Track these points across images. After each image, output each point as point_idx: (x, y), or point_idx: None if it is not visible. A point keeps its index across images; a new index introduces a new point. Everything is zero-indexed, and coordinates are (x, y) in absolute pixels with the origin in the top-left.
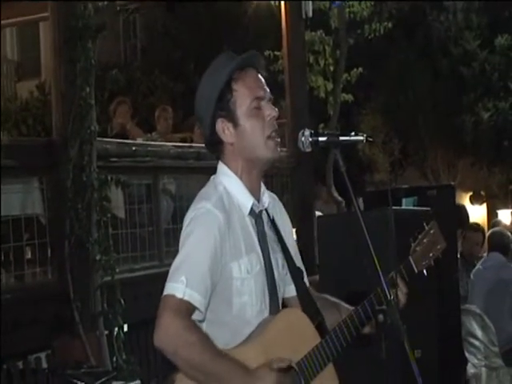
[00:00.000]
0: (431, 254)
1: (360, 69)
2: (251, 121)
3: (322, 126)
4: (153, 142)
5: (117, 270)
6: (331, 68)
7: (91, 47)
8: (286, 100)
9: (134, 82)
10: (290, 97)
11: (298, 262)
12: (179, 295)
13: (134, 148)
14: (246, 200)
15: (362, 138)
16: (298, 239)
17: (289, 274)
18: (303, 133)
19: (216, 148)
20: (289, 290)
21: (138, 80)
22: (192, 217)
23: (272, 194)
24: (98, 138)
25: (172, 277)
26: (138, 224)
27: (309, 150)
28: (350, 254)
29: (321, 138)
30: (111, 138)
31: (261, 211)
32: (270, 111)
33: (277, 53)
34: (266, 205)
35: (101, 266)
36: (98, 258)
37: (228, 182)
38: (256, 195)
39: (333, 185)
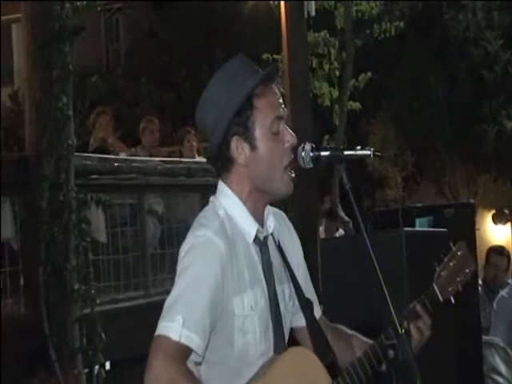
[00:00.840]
0: (459, 279)
1: (369, 73)
2: (270, 146)
3: (326, 137)
4: (138, 158)
5: (97, 301)
6: (337, 73)
7: (69, 51)
8: (286, 109)
9: (117, 89)
10: (290, 105)
11: (309, 290)
12: (174, 337)
13: (116, 164)
14: (249, 227)
15: (368, 152)
16: None
17: (297, 303)
18: (303, 147)
19: (223, 165)
20: (297, 320)
21: (121, 88)
22: (190, 246)
23: (277, 210)
24: (77, 154)
25: (166, 315)
26: (121, 249)
27: (310, 166)
28: (358, 281)
29: (323, 153)
30: (91, 153)
31: (266, 237)
32: (290, 137)
33: (276, 56)
34: (271, 229)
35: (79, 297)
36: (76, 287)
37: (229, 205)
38: (260, 220)
39: (339, 203)
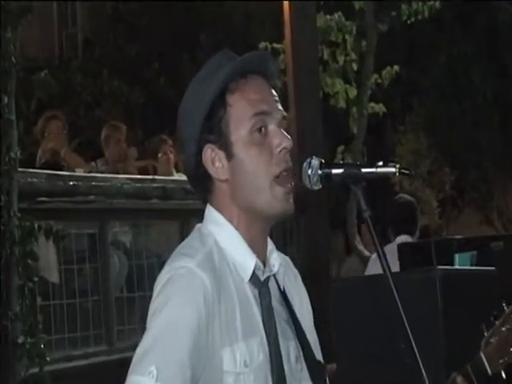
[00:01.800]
0: None
1: (395, 67)
2: (250, 151)
3: (341, 149)
4: (99, 175)
5: (48, 359)
6: (354, 67)
7: (11, 39)
8: (290, 112)
9: (73, 87)
10: (295, 107)
11: (318, 354)
12: None
13: (71, 183)
14: (246, 260)
15: (393, 169)
16: None
17: (305, 369)
18: (309, 163)
19: (202, 186)
20: None
21: (78, 85)
22: (166, 280)
23: (283, 255)
24: (21, 169)
25: (136, 367)
26: (77, 292)
27: (317, 187)
28: (381, 334)
29: (335, 171)
30: (39, 168)
31: (267, 278)
32: (281, 139)
33: (276, 45)
34: (275, 269)
35: (25, 353)
36: (20, 340)
37: (220, 233)
38: (260, 253)
39: (357, 233)
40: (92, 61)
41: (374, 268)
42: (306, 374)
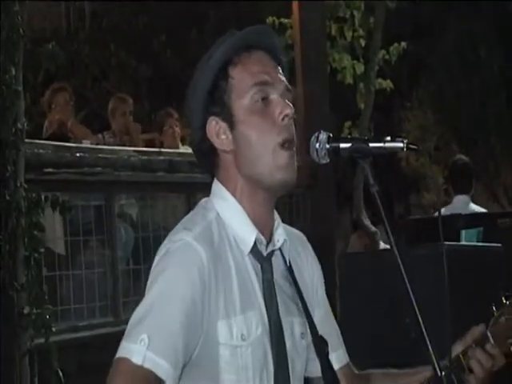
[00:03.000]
0: None
1: (403, 44)
2: (253, 120)
3: (348, 124)
4: (106, 147)
5: (53, 329)
6: (362, 42)
7: (18, 10)
8: (298, 87)
9: (80, 59)
10: (302, 83)
11: (331, 323)
12: (136, 360)
13: (78, 154)
14: (246, 233)
15: (401, 144)
16: None
17: (312, 346)
18: (317, 137)
19: (208, 160)
20: (313, 367)
21: (85, 58)
22: (164, 253)
23: (296, 231)
24: (28, 140)
25: (130, 334)
26: (83, 263)
27: (325, 161)
28: (386, 310)
29: (342, 145)
30: (46, 139)
31: (271, 253)
32: (283, 107)
33: (284, 20)
34: (278, 244)
35: (30, 323)
36: (26, 311)
37: (223, 207)
38: (265, 228)
39: (363, 209)
40: (99, 33)
41: None
42: (312, 350)
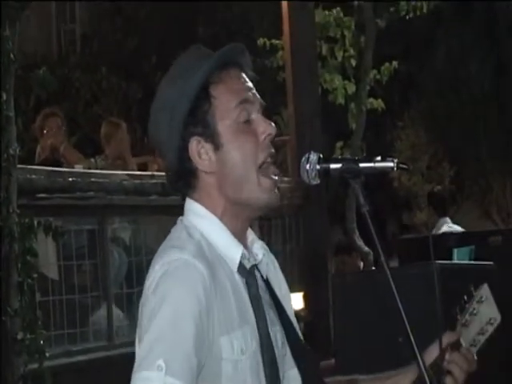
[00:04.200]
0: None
1: (394, 63)
2: (238, 140)
3: (340, 145)
4: (98, 171)
5: (47, 354)
6: (353, 62)
7: (9, 35)
8: (289, 108)
9: (72, 84)
10: (294, 104)
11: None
12: None
13: (70, 179)
14: (232, 250)
15: (391, 164)
16: (307, 307)
17: (289, 354)
18: (308, 158)
19: (185, 181)
20: (290, 377)
21: (76, 81)
22: (162, 275)
23: (261, 242)
24: (20, 166)
25: (143, 363)
26: (77, 288)
27: (316, 182)
28: (379, 329)
29: (332, 166)
30: (38, 165)
31: (253, 267)
32: (265, 126)
33: (275, 41)
34: (259, 258)
35: (24, 348)
36: (20, 336)
37: (204, 225)
38: (245, 243)
39: (356, 229)
40: (90, 56)
41: None
42: (290, 358)
